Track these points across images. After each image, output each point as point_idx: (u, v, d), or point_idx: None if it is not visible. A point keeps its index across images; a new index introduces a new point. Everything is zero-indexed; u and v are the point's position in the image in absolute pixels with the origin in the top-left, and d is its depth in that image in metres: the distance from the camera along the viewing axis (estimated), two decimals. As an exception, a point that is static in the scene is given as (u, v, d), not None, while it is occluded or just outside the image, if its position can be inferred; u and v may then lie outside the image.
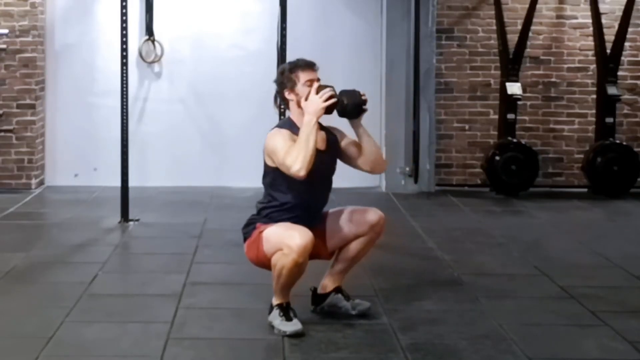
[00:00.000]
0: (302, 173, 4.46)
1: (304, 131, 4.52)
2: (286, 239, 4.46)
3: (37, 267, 5.91)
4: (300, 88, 4.66)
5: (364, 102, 4.71)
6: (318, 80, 4.67)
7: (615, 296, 5.41)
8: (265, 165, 4.71)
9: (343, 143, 4.82)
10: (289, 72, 4.69)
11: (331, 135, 4.79)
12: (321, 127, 4.72)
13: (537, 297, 5.39)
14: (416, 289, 5.48)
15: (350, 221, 4.75)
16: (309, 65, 4.70)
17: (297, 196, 4.63)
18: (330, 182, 4.83)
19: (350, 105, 4.68)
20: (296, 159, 4.46)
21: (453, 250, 6.55)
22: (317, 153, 4.59)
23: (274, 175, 4.67)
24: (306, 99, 4.60)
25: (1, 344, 4.41)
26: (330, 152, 4.75)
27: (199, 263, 6.10)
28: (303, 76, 4.66)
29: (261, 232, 4.62)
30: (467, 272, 5.91)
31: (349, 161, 4.84)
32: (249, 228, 4.72)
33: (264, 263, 4.65)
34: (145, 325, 4.74)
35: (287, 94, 4.71)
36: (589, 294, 5.38)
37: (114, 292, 5.43)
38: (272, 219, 4.65)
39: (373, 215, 4.77)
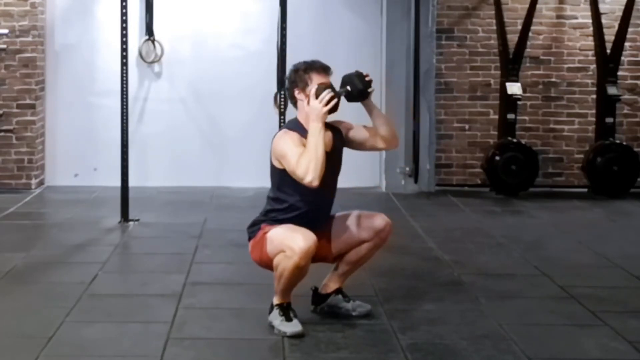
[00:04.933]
0: (315, 183, 4.41)
1: (311, 140, 4.45)
2: (289, 241, 4.43)
3: (37, 267, 5.90)
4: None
5: (369, 84, 4.70)
6: (330, 85, 4.61)
7: (615, 296, 5.41)
8: (273, 167, 4.66)
9: (350, 133, 4.78)
10: (304, 72, 4.63)
11: (335, 133, 4.75)
12: (325, 125, 4.71)
13: (537, 297, 5.39)
14: (416, 289, 5.48)
15: (357, 226, 4.73)
16: (324, 69, 4.64)
17: (304, 198, 4.59)
18: (336, 182, 4.78)
19: (355, 91, 4.68)
20: (307, 169, 4.40)
21: (453, 250, 6.54)
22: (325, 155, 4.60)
23: (281, 176, 4.62)
24: (307, 104, 4.58)
25: (1, 344, 4.41)
26: (336, 151, 4.72)
27: (199, 263, 6.10)
28: (316, 79, 4.60)
29: (265, 233, 4.59)
30: (467, 272, 5.91)
31: (363, 145, 4.80)
32: (254, 228, 4.69)
33: (268, 264, 4.63)
34: (145, 325, 4.74)
35: (296, 93, 4.67)
36: (589, 294, 5.38)
37: (114, 292, 5.43)
38: (278, 220, 4.62)
39: (380, 221, 4.74)
